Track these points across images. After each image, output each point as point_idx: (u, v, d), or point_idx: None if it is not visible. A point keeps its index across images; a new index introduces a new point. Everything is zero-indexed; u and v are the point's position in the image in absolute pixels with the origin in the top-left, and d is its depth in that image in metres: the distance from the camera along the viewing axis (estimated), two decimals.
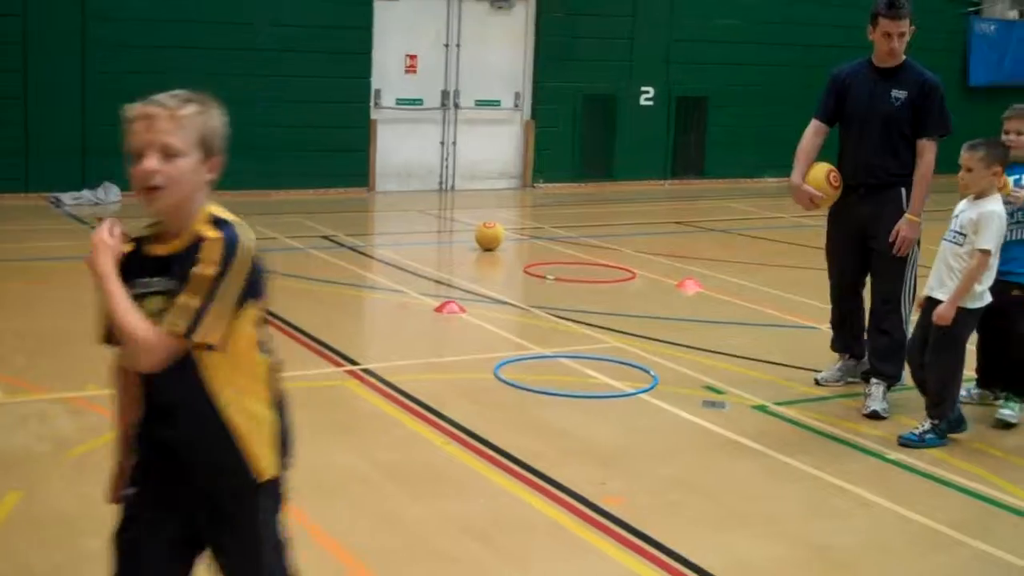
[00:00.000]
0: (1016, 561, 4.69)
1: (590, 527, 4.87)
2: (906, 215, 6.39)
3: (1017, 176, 6.33)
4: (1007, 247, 6.09)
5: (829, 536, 4.92)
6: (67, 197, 12.97)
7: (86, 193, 13.04)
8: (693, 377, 7.04)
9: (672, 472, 5.56)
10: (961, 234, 5.91)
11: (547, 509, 5.05)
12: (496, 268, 10.79)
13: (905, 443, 5.94)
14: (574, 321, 8.35)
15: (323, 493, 5.09)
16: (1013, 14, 19.05)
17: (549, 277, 9.92)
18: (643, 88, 16.54)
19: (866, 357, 6.69)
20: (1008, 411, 6.35)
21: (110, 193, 13.09)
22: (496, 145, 15.79)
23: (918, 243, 6.52)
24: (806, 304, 8.98)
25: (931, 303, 5.95)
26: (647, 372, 7.08)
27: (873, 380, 6.47)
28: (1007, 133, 6.42)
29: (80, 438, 5.62)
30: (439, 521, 4.91)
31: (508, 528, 4.88)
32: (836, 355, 6.97)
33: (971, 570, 4.69)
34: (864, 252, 6.60)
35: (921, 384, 6.10)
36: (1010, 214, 6.11)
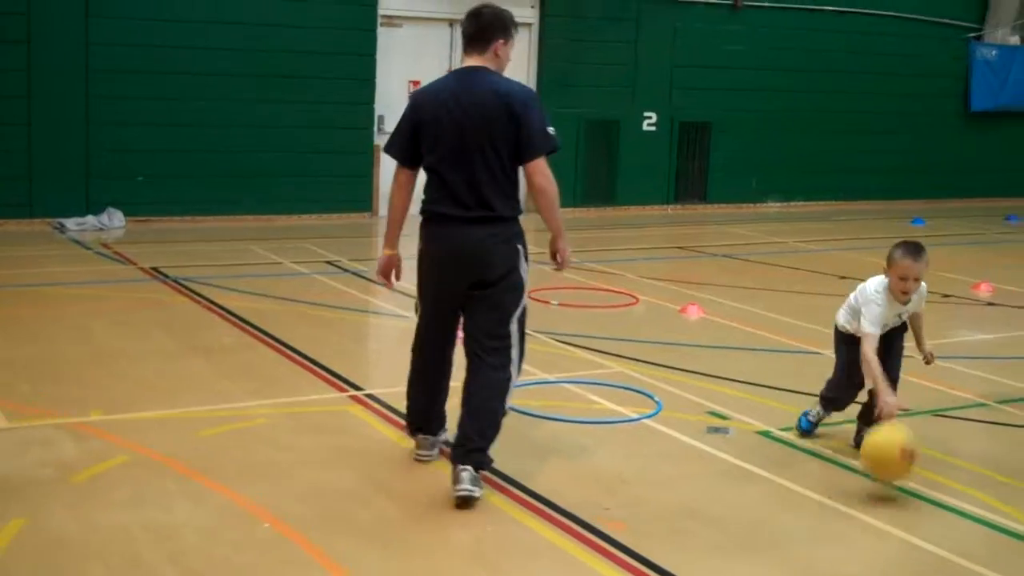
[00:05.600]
0: None
1: (594, 553, 4.86)
2: None
3: None
4: None
5: (835, 564, 4.90)
6: (71, 223, 12.99)
7: (90, 219, 13.06)
8: (697, 403, 7.02)
9: (676, 498, 5.54)
10: (898, 315, 6.12)
11: (551, 535, 5.03)
12: None
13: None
14: (578, 346, 8.35)
15: (327, 520, 5.08)
16: (1015, 39, 19.10)
17: (553, 302, 9.92)
18: (646, 114, 16.58)
19: None
20: None
21: (114, 219, 13.11)
22: None
23: None
24: (809, 329, 8.98)
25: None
26: (651, 398, 7.07)
27: None
28: None
29: (84, 463, 5.61)
30: (444, 547, 4.90)
31: (513, 554, 4.87)
32: None
33: None
34: None
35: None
36: None
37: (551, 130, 5.44)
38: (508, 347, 5.48)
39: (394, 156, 5.69)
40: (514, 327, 5.50)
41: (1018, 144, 19.27)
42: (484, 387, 5.46)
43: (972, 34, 18.79)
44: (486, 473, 5.52)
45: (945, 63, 18.64)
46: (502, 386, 5.47)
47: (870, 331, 5.89)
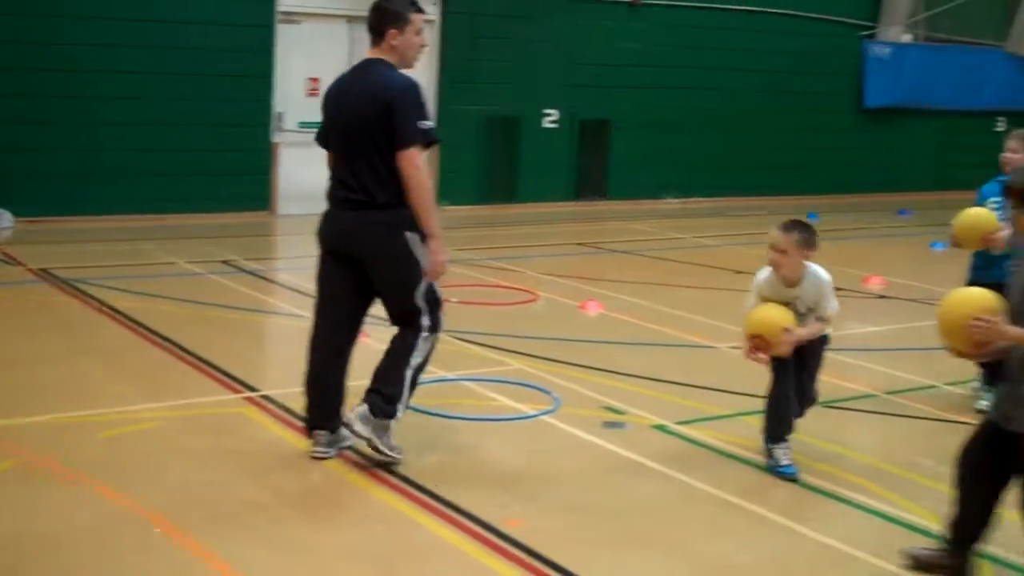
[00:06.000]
0: None
1: (492, 552, 4.85)
2: None
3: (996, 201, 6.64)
4: None
5: (729, 555, 4.95)
6: None
7: None
8: (594, 398, 7.06)
9: (573, 494, 5.56)
10: (812, 310, 5.90)
11: (448, 535, 5.02)
12: None
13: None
14: (477, 344, 8.34)
15: (220, 523, 5.01)
16: (907, 37, 19.52)
17: (453, 300, 9.88)
18: (546, 111, 16.63)
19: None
20: (987, 403, 6.52)
21: (2, 219, 12.76)
22: None
23: None
24: (704, 323, 9.08)
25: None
26: (549, 394, 7.08)
27: None
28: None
29: None
30: (340, 550, 4.85)
31: (410, 555, 4.84)
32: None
33: None
34: None
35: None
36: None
37: (427, 123, 5.54)
38: (417, 323, 5.65)
39: (319, 144, 5.97)
40: (419, 301, 5.63)
41: (910, 140, 19.71)
42: (389, 353, 5.69)
43: (866, 32, 19.16)
44: (386, 467, 5.50)
45: (840, 61, 18.99)
46: (405, 348, 5.65)
47: (749, 300, 5.94)
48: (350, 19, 14.87)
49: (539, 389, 7.20)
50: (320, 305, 5.81)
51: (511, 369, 7.69)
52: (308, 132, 14.78)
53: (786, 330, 5.69)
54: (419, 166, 5.48)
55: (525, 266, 11.72)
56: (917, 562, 4.75)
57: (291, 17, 14.68)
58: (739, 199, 17.91)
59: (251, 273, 10.85)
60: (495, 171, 16.29)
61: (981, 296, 4.43)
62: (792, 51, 18.30)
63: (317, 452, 5.81)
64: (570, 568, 4.70)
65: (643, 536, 5.11)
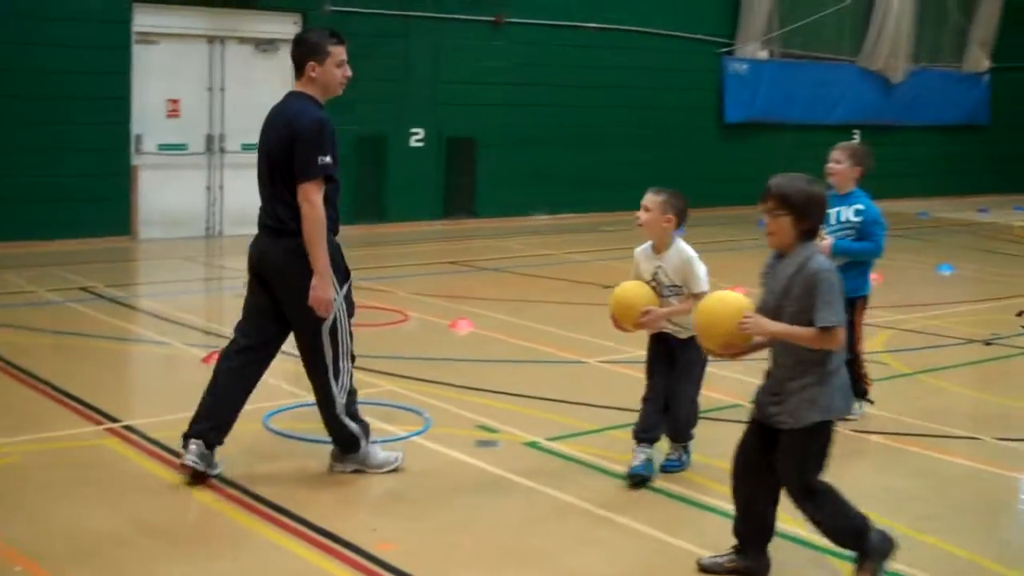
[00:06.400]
0: None
1: None
2: None
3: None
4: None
5: (599, 566, 4.99)
6: None
7: None
8: (466, 417, 7.05)
9: (445, 514, 5.54)
10: (676, 285, 6.05)
11: (320, 561, 4.95)
12: None
13: (668, 469, 6.11)
14: None
15: (82, 559, 4.87)
16: (764, 54, 20.01)
17: None
18: (413, 129, 16.61)
19: None
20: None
21: None
22: None
23: None
24: (576, 339, 9.15)
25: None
26: (420, 414, 7.05)
27: None
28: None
29: None
30: None
31: None
32: None
33: None
34: None
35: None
36: None
37: (326, 159, 5.63)
38: (323, 363, 5.87)
39: None
40: (324, 337, 5.81)
41: (769, 154, 20.16)
42: (319, 406, 5.99)
43: (724, 49, 19.60)
44: (249, 500, 5.40)
45: (700, 77, 19.38)
46: (326, 400, 5.94)
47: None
48: (210, 39, 14.68)
49: (410, 410, 7.16)
50: (239, 322, 6.02)
51: (382, 390, 7.63)
52: (168, 155, 14.57)
53: (644, 312, 5.87)
54: (312, 201, 5.59)
55: (395, 286, 11.67)
56: (707, 569, 4.90)
57: (148, 38, 14.41)
58: (607, 214, 18.11)
59: (112, 300, 10.58)
60: (363, 190, 16.20)
61: (735, 298, 4.91)
62: (654, 68, 18.62)
63: (187, 461, 5.74)
64: None
65: (516, 553, 5.11)
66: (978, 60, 22.87)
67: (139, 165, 14.38)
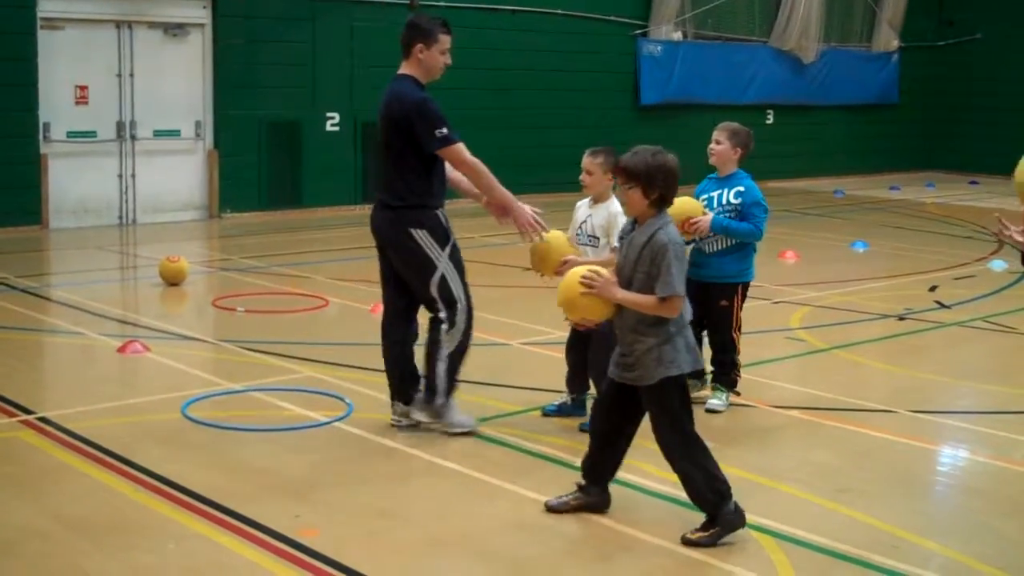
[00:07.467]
0: (710, 560, 4.90)
1: (288, 564, 4.75)
2: None
3: (708, 195, 7.03)
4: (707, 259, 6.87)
5: (524, 548, 4.99)
6: None
7: None
8: (388, 402, 6.98)
9: (370, 499, 5.51)
10: (595, 237, 6.47)
11: (243, 550, 4.89)
12: (183, 303, 10.43)
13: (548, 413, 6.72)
14: (266, 353, 8.17)
15: (1, 553, 4.75)
16: (677, 35, 20.13)
17: (239, 309, 9.67)
18: (328, 114, 16.46)
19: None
20: (716, 401, 6.97)
21: None
22: (178, 176, 15.27)
23: None
24: (498, 321, 9.13)
25: None
26: (342, 400, 7.00)
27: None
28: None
29: None
30: (129, 573, 4.66)
31: (202, 573, 4.69)
32: None
33: (653, 567, 4.86)
34: None
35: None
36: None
37: (442, 131, 6.16)
38: (436, 309, 6.34)
39: None
40: (433, 291, 6.27)
41: (685, 135, 20.29)
42: (425, 346, 6.42)
43: (639, 31, 19.69)
44: (169, 490, 5.32)
45: (616, 59, 19.45)
46: (432, 344, 6.35)
47: None
48: (118, 24, 14.39)
49: (331, 395, 7.11)
50: (382, 290, 6.56)
51: (302, 377, 7.56)
52: (78, 142, 14.28)
53: (563, 261, 6.05)
54: (461, 159, 6.23)
55: (314, 271, 11.57)
56: (555, 509, 5.31)
57: (53, 23, 14.08)
58: (524, 196, 18.08)
59: (24, 291, 10.35)
60: (278, 176, 16.03)
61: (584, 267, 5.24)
62: (570, 50, 18.63)
63: (393, 420, 6.47)
64: (369, 575, 4.64)
65: (441, 537, 5.10)
66: (887, 39, 23.22)
67: (48, 153, 14.06)
